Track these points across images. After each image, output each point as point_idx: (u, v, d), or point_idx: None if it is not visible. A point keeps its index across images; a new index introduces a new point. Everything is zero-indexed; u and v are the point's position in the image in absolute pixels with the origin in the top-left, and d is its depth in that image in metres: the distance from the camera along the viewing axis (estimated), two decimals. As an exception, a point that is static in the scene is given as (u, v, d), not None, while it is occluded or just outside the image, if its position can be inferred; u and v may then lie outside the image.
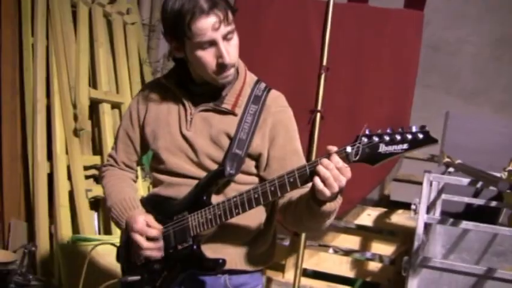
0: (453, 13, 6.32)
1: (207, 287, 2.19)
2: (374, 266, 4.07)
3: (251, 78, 2.25)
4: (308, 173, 1.87)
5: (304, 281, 3.98)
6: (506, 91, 6.26)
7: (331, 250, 4.78)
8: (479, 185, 3.37)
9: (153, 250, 2.15)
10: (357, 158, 1.80)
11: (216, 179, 2.12)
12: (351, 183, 3.61)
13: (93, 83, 5.14)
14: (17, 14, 4.99)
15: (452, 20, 6.32)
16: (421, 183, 3.46)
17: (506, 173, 3.31)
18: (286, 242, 4.26)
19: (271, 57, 3.76)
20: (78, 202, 4.63)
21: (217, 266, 2.09)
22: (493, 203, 3.85)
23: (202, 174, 2.15)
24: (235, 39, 2.07)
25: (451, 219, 3.37)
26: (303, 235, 3.64)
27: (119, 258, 2.39)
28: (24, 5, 4.94)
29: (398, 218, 4.00)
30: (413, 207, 3.38)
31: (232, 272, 2.19)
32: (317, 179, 1.82)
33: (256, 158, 2.18)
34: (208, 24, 1.98)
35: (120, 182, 2.40)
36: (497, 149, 4.12)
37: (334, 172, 1.80)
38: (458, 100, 6.19)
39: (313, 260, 4.07)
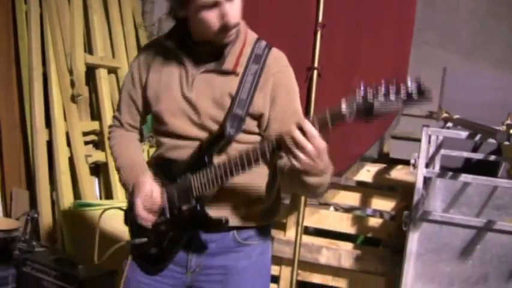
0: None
1: (216, 242, 2.22)
2: (375, 221, 4.09)
3: (252, 36, 2.24)
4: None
5: (306, 238, 4.00)
6: (504, 47, 6.24)
7: (331, 208, 4.79)
8: (477, 138, 3.37)
9: (146, 220, 2.20)
10: (352, 117, 1.77)
11: (217, 140, 2.13)
12: (349, 140, 3.63)
13: (89, 49, 5.12)
14: (9, -19, 4.96)
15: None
16: (419, 140, 3.46)
17: (504, 127, 3.31)
18: (287, 201, 4.28)
19: (267, 15, 3.74)
20: (78, 168, 4.66)
21: (220, 226, 2.11)
22: (492, 157, 3.85)
23: (205, 135, 2.16)
24: (238, 0, 2.05)
25: (450, 173, 3.38)
26: (303, 193, 3.65)
27: (126, 221, 2.42)
28: (16, -28, 4.91)
29: (398, 173, 4.00)
30: (412, 161, 3.39)
31: (240, 227, 2.22)
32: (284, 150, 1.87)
33: (258, 118, 2.18)
34: None
35: (127, 144, 2.43)
36: (496, 104, 4.11)
37: (298, 140, 1.81)
38: (456, 56, 6.17)
39: (314, 217, 4.09)
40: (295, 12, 3.73)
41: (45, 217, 4.57)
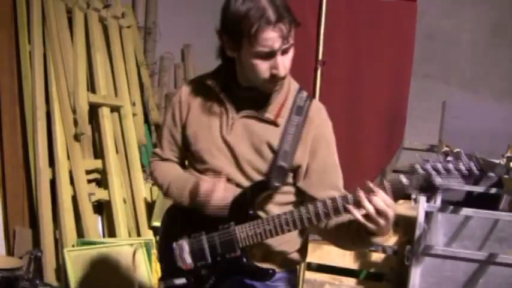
0: (448, 1, 6.33)
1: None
2: (377, 256, 4.09)
3: (294, 86, 2.26)
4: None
5: (309, 274, 4.00)
6: (505, 78, 6.26)
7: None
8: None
9: (227, 199, 2.15)
10: (414, 190, 1.87)
11: (261, 191, 2.15)
12: (351, 176, 3.64)
13: (92, 87, 5.16)
14: (13, 22, 5.00)
15: (448, 8, 6.33)
16: (420, 173, 3.47)
17: (505, 159, 3.32)
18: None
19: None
20: (82, 206, 4.66)
21: (267, 276, 2.15)
22: (493, 190, 3.86)
23: (242, 179, 2.18)
24: (291, 53, 2.08)
25: (451, 207, 3.40)
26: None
27: (161, 258, 2.43)
28: (20, 12, 4.96)
29: (400, 208, 4.01)
30: (413, 196, 3.39)
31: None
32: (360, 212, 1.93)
33: (295, 169, 2.20)
34: (272, 36, 1.98)
35: (170, 168, 2.42)
36: (496, 135, 4.13)
37: (379, 207, 1.88)
38: (457, 89, 6.20)
39: (316, 253, 4.10)
40: (297, 49, 3.78)
41: (49, 255, 4.57)
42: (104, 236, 4.88)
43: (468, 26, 6.33)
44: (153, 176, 2.48)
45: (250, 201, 2.14)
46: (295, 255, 2.31)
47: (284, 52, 2.04)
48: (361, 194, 1.91)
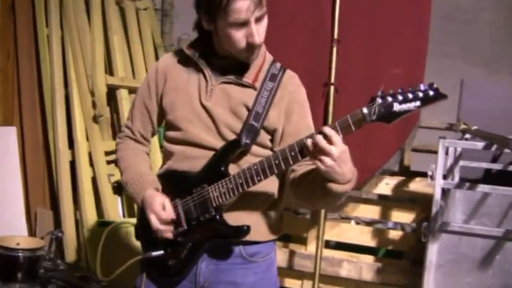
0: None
1: (225, 257, 2.25)
2: (395, 234, 4.10)
3: (269, 57, 2.32)
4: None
5: (327, 252, 4.02)
6: (524, 58, 6.22)
7: (352, 221, 4.81)
8: (493, 148, 3.38)
9: (164, 232, 2.22)
10: (374, 117, 1.88)
11: (233, 149, 2.18)
12: (368, 154, 3.64)
13: (110, 69, 5.20)
14: (31, 6, 5.05)
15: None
16: (438, 152, 3.48)
17: (522, 137, 3.31)
18: (308, 215, 4.30)
19: (285, 32, 3.77)
20: (102, 187, 4.72)
21: (241, 233, 2.16)
22: (511, 167, 3.85)
23: (220, 144, 2.20)
24: (265, 21, 2.13)
25: (468, 184, 3.39)
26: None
27: (138, 236, 2.44)
28: (37, -3, 5.02)
29: (417, 185, 4.02)
30: (429, 173, 3.40)
31: (246, 242, 2.24)
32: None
33: (272, 133, 2.24)
34: (244, 6, 2.02)
35: (135, 157, 2.43)
36: (514, 114, 4.11)
37: (320, 144, 1.89)
38: (476, 68, 6.16)
39: (334, 231, 4.11)
40: (311, 28, 3.78)
41: (70, 236, 4.63)
42: (123, 217, 4.93)
43: (487, 5, 6.29)
44: (116, 155, 2.50)
45: (221, 159, 2.17)
46: (270, 227, 2.30)
47: (258, 20, 2.08)
48: (311, 136, 1.94)
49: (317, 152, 1.91)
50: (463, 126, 3.85)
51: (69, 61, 4.94)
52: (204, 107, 2.23)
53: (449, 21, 6.12)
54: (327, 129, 1.89)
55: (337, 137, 1.89)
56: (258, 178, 2.07)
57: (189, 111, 2.25)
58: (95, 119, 4.82)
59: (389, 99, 1.88)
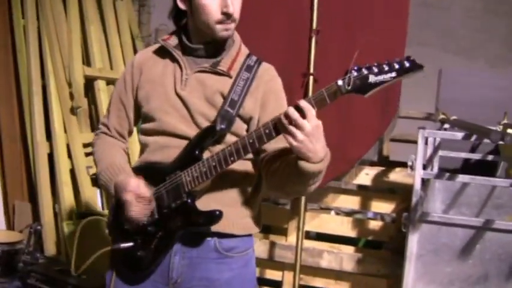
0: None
1: (197, 250, 2.20)
2: (375, 224, 4.11)
3: (245, 49, 2.31)
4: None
5: (307, 243, 4.02)
6: (502, 45, 6.25)
7: (332, 212, 4.82)
8: (473, 138, 3.39)
9: (141, 212, 2.15)
10: (349, 87, 1.87)
11: (208, 135, 2.14)
12: (347, 144, 3.64)
13: (87, 60, 5.16)
14: (6, -4, 5.00)
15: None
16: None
17: (501, 127, 3.33)
18: (288, 206, 4.30)
19: (263, 21, 3.76)
20: (80, 179, 4.69)
21: (213, 218, 2.11)
22: (490, 157, 3.86)
23: (194, 134, 2.17)
24: None
25: (448, 174, 3.40)
26: (303, 198, 3.67)
27: (110, 230, 2.38)
28: (13, -14, 4.96)
29: (397, 175, 4.02)
30: (409, 163, 3.40)
31: (222, 235, 2.20)
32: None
33: (247, 121, 2.22)
34: None
35: (109, 149, 2.39)
36: (493, 103, 4.12)
37: (291, 115, 1.87)
38: (454, 56, 6.19)
39: (314, 222, 4.11)
40: (289, 18, 3.76)
41: (48, 229, 4.61)
42: (103, 209, 4.91)
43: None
44: (93, 149, 2.47)
45: (196, 145, 2.14)
46: (247, 220, 2.27)
47: None
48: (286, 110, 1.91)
49: (290, 126, 1.87)
50: (441, 116, 3.86)
51: (46, 52, 4.90)
52: (179, 96, 2.21)
53: (425, 8, 6.13)
54: (302, 102, 1.86)
55: (311, 112, 1.86)
56: (232, 159, 2.03)
57: (164, 102, 2.23)
58: (73, 111, 4.80)
59: (365, 71, 1.87)
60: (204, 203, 2.15)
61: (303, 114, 1.85)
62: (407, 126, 4.60)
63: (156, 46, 2.35)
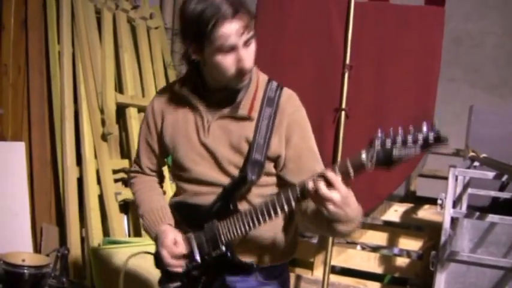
0: (474, 4, 6.29)
1: (241, 283, 2.26)
2: (402, 261, 4.09)
3: (263, 78, 2.28)
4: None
5: (333, 278, 4.01)
6: (530, 82, 6.22)
7: (358, 247, 4.80)
8: (504, 178, 3.38)
9: (175, 265, 2.26)
10: (372, 166, 1.84)
11: (240, 186, 2.17)
12: (377, 180, 3.64)
13: (119, 87, 5.22)
14: (43, 22, 5.07)
15: (474, 12, 6.29)
16: (446, 178, 3.47)
17: (531, 165, 3.31)
18: (315, 240, 4.29)
19: (295, 56, 3.78)
20: (108, 205, 4.71)
21: (250, 270, 2.21)
22: (519, 196, 3.85)
23: (226, 180, 2.20)
24: (253, 45, 2.09)
25: (477, 213, 3.39)
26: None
27: (157, 264, 2.43)
28: (49, 13, 5.03)
29: (425, 213, 4.01)
30: (439, 202, 3.40)
31: (262, 269, 2.27)
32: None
33: (275, 160, 2.21)
34: (232, 30, 1.99)
35: (149, 191, 2.49)
36: (523, 141, 4.11)
37: (320, 190, 1.86)
38: (483, 93, 6.16)
39: (341, 257, 4.11)
40: (323, 54, 3.79)
41: (75, 253, 4.62)
42: (129, 236, 4.93)
43: (493, 29, 6.30)
44: (131, 190, 2.56)
45: (229, 196, 2.17)
46: (282, 249, 2.32)
47: (246, 44, 2.05)
48: (312, 180, 1.90)
49: (319, 197, 1.88)
50: (471, 154, 3.85)
51: (79, 78, 4.95)
52: (203, 145, 2.23)
53: (455, 45, 6.13)
54: (329, 174, 1.85)
55: (339, 182, 1.85)
56: (264, 218, 2.06)
57: (189, 151, 2.26)
58: (104, 137, 4.83)
59: (389, 145, 1.81)
60: (243, 244, 2.22)
61: (331, 185, 1.85)
62: (435, 161, 4.59)
63: (172, 89, 2.34)
